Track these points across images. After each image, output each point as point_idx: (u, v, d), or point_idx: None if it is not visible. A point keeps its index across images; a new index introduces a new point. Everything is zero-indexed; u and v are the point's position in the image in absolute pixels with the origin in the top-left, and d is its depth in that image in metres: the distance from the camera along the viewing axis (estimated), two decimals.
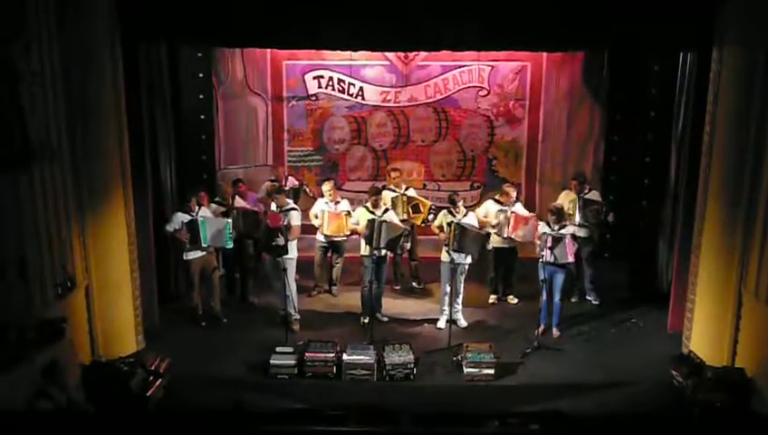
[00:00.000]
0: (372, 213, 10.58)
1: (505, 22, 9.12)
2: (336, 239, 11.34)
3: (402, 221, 11.00)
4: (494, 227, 10.98)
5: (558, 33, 9.27)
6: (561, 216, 10.30)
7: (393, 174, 11.87)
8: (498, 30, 9.22)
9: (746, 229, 8.81)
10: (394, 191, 11.60)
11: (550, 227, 10.24)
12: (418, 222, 11.53)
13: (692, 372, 8.86)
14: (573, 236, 10.20)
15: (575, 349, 10.10)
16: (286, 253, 10.24)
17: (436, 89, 13.02)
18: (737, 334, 8.99)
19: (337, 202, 11.34)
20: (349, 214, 11.12)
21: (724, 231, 9.03)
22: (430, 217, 11.51)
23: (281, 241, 10.16)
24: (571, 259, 10.11)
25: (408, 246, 10.94)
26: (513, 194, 11.15)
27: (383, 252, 10.51)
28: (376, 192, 10.85)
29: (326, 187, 11.35)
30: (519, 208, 11.17)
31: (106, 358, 9.16)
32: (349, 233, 11.14)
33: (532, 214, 11.15)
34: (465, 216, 10.56)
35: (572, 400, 8.63)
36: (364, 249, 10.52)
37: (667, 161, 10.92)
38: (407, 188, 11.87)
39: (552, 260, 10.02)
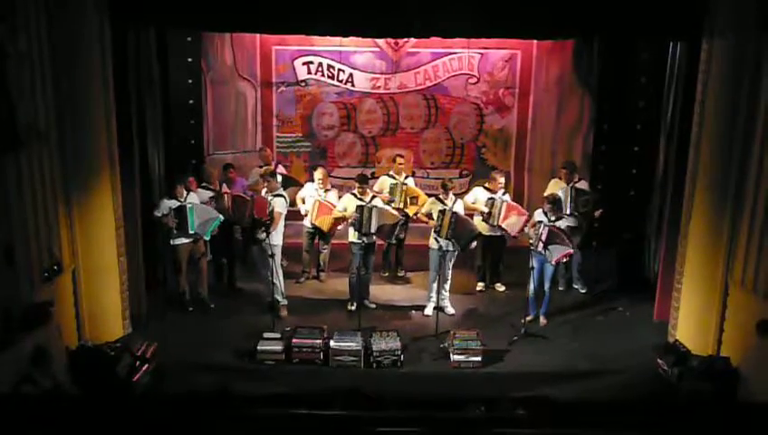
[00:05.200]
0: (360, 199, 10.54)
1: (496, 9, 9.09)
2: None
3: (397, 210, 10.95)
4: (483, 214, 10.98)
5: (548, 20, 9.26)
6: (558, 206, 10.28)
7: (398, 160, 11.72)
8: (488, 17, 9.19)
9: (733, 219, 8.86)
10: (394, 178, 11.54)
11: (546, 216, 10.24)
12: (411, 213, 11.34)
13: (677, 361, 8.92)
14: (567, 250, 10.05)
15: (562, 337, 10.15)
16: (267, 238, 10.24)
17: (426, 76, 12.96)
18: (723, 324, 9.06)
19: (327, 190, 11.27)
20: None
21: (712, 221, 9.08)
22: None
23: (262, 236, 10.19)
24: (553, 264, 10.06)
25: (404, 235, 10.88)
26: (501, 181, 11.12)
27: (372, 238, 10.51)
28: (363, 180, 10.76)
29: (318, 174, 11.23)
30: (507, 200, 11.14)
31: (92, 343, 9.14)
32: (330, 227, 11.06)
33: (525, 211, 11.08)
34: (454, 203, 10.56)
35: (559, 387, 8.71)
36: (352, 236, 10.51)
37: (655, 151, 10.96)
38: (406, 177, 11.76)
39: (543, 253, 10.00)
